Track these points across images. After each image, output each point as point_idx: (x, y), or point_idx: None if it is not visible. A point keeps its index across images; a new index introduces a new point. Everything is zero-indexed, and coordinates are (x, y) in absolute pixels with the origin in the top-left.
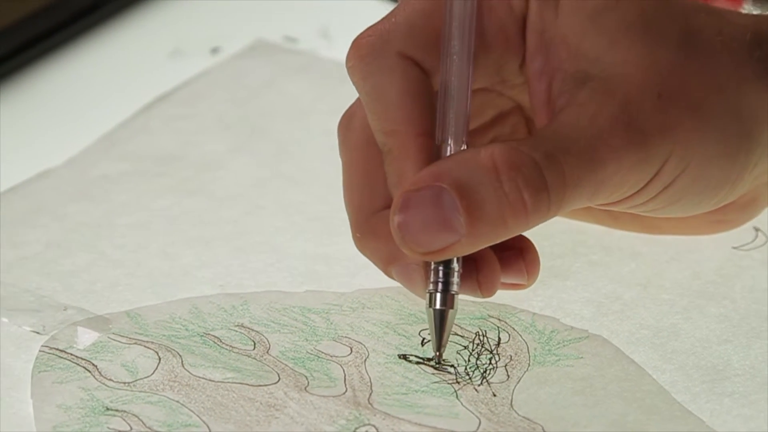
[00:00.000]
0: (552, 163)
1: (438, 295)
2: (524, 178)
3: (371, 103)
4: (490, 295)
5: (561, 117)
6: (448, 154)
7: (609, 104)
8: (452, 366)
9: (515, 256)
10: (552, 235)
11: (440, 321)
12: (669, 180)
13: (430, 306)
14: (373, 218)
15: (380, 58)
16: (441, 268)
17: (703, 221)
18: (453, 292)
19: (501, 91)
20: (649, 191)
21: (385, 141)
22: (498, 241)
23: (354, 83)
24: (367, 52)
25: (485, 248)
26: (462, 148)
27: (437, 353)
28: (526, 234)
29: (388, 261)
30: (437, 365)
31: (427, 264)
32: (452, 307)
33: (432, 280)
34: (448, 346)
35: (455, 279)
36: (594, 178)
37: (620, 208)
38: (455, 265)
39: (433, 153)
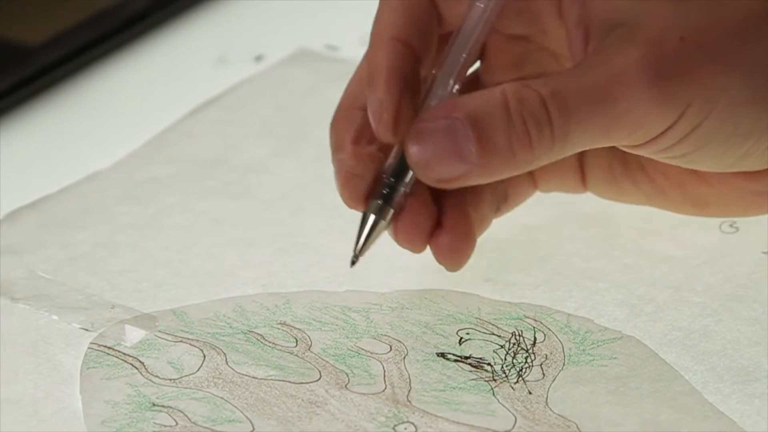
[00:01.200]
0: (557, 98)
1: (376, 202)
2: (528, 111)
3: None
4: (409, 246)
5: (582, 60)
6: (435, 89)
7: (629, 46)
8: (489, 364)
9: (445, 238)
10: (586, 237)
11: (371, 228)
12: (694, 124)
13: (366, 210)
14: (346, 114)
15: None
16: (391, 181)
17: (746, 192)
18: (392, 208)
19: (542, 43)
20: (672, 135)
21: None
22: (510, 174)
23: None
24: None
25: (420, 204)
26: (450, 82)
27: (355, 254)
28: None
29: (336, 148)
30: (352, 265)
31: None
32: (384, 219)
33: (381, 189)
34: (485, 345)
35: (399, 195)
36: (603, 115)
37: (645, 151)
38: (406, 182)
39: (409, 61)
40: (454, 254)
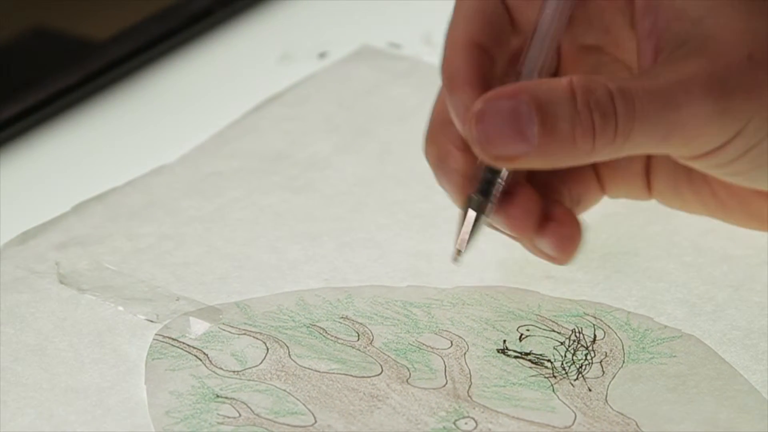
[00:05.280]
0: (624, 94)
1: (476, 197)
2: (595, 101)
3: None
4: (520, 233)
5: (651, 67)
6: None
7: (697, 58)
8: (549, 361)
9: (555, 227)
10: (647, 237)
11: (472, 223)
12: (752, 142)
13: (467, 206)
14: (440, 128)
15: None
16: (488, 175)
17: None
18: (491, 202)
19: (615, 54)
20: (731, 150)
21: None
22: (567, 164)
23: None
24: None
25: (528, 193)
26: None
27: (457, 249)
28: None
29: (438, 161)
30: (455, 261)
31: (475, 172)
32: (483, 213)
33: (478, 184)
34: (545, 341)
35: (496, 190)
36: (665, 117)
37: (702, 165)
38: (502, 175)
39: (487, 64)
40: (570, 243)
